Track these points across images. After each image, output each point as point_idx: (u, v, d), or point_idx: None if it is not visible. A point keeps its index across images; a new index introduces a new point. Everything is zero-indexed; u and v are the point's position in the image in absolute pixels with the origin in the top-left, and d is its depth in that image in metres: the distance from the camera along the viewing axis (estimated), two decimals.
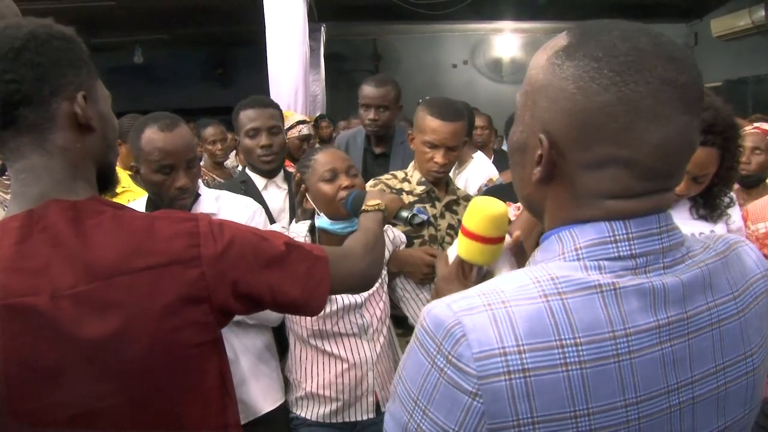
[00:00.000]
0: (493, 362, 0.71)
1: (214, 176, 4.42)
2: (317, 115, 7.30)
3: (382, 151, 3.42)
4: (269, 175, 2.77)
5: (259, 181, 2.77)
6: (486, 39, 12.04)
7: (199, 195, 2.20)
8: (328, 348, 2.06)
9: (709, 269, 0.82)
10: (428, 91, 9.46)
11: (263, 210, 2.34)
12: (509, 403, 0.71)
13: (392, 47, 11.90)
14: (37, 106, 1.07)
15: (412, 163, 2.55)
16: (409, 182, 2.46)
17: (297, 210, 2.14)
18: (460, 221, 1.81)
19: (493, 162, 4.27)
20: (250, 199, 2.43)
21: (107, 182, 1.23)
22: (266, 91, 5.08)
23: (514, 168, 0.91)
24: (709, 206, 2.03)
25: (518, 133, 0.87)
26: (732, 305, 0.82)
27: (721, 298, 0.82)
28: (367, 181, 2.41)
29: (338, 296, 2.01)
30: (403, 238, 2.29)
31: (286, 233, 2.03)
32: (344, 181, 2.00)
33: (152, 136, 2.01)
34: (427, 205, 2.39)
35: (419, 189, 2.43)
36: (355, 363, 2.07)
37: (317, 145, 4.51)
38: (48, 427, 1.04)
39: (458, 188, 2.62)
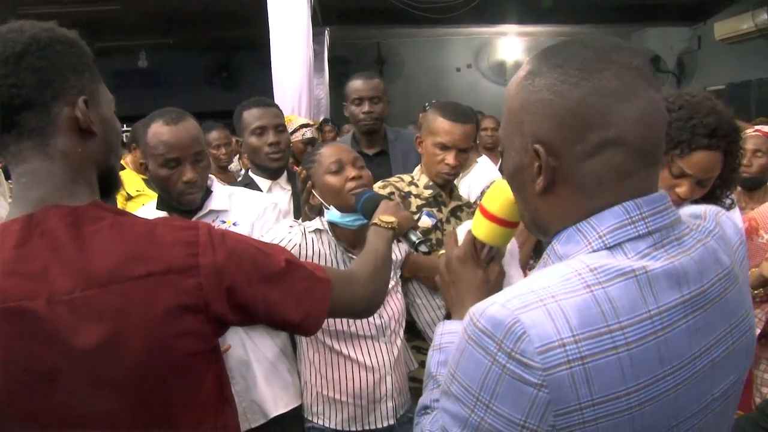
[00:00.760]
0: (555, 354, 0.76)
1: (220, 179, 4.43)
2: (321, 119, 7.30)
3: (377, 150, 3.34)
4: (273, 176, 2.76)
5: (263, 183, 2.76)
6: (490, 42, 12.04)
7: (211, 191, 2.18)
8: (344, 350, 2.01)
9: (709, 246, 0.90)
10: (432, 95, 9.48)
11: (276, 205, 2.32)
12: (571, 389, 0.76)
13: (396, 51, 11.90)
14: (38, 111, 1.06)
15: (418, 167, 2.54)
16: (416, 185, 2.45)
17: (304, 208, 2.11)
18: None
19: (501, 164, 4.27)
20: (263, 195, 2.42)
21: (110, 186, 1.22)
22: (270, 95, 5.08)
23: (516, 192, 0.99)
24: None
25: (511, 159, 0.95)
26: (731, 274, 0.91)
27: (723, 271, 0.90)
28: None
29: None
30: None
31: (296, 228, 2.01)
32: (351, 172, 1.98)
33: (158, 129, 2.01)
34: (434, 209, 2.39)
35: (426, 193, 2.42)
36: (372, 366, 2.02)
37: None
38: (43, 431, 1.04)
39: (461, 195, 2.61)
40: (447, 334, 1.12)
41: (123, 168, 4.39)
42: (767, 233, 2.46)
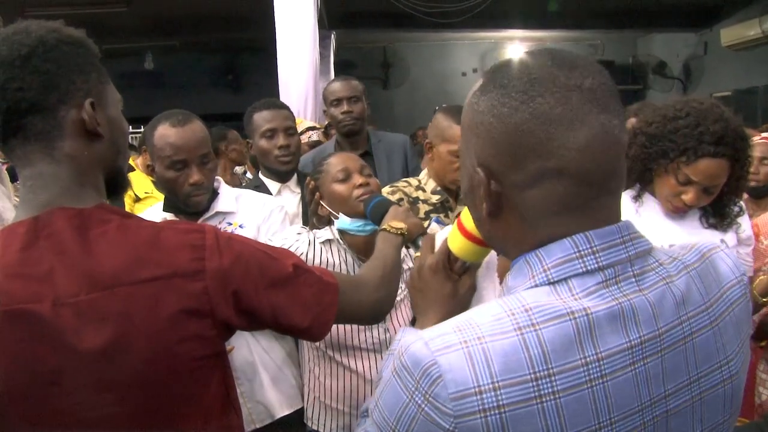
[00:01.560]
0: (469, 401, 0.72)
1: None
2: (327, 122, 7.30)
3: (360, 152, 3.26)
4: (283, 179, 2.76)
5: (272, 185, 2.75)
6: (496, 47, 12.03)
7: (218, 193, 2.17)
8: (345, 361, 2.01)
9: (676, 284, 0.82)
10: (438, 100, 9.48)
11: (283, 208, 2.31)
12: None
13: (402, 55, 11.90)
14: (44, 114, 1.06)
15: (424, 171, 2.53)
16: (424, 190, 2.45)
17: (312, 219, 2.10)
18: None
19: None
20: (270, 198, 2.41)
21: (117, 186, 1.22)
22: (276, 98, 5.09)
23: (471, 212, 0.94)
24: (718, 215, 2.03)
25: (464, 178, 0.90)
26: (704, 316, 0.83)
27: (693, 311, 0.82)
28: None
29: None
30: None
31: (304, 235, 2.00)
32: (358, 179, 1.97)
33: (164, 132, 2.00)
34: (442, 215, 2.38)
35: (435, 198, 2.42)
36: (372, 379, 2.01)
37: None
38: None
39: None
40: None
41: (132, 169, 4.39)
42: (767, 239, 2.46)
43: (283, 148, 2.69)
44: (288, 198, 2.73)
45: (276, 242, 1.97)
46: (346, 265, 2.00)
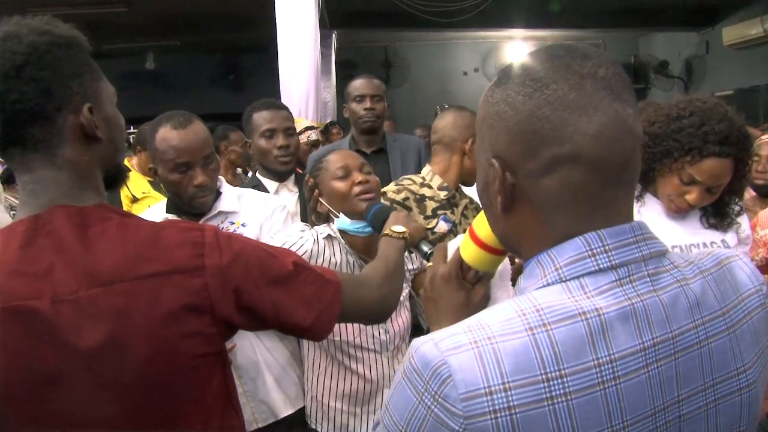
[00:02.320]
0: (479, 402, 0.71)
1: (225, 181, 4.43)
2: (327, 121, 7.30)
3: (375, 148, 3.36)
4: (281, 178, 2.76)
5: (270, 185, 2.75)
6: (497, 47, 12.02)
7: (221, 193, 2.17)
8: (346, 361, 2.01)
9: (691, 288, 0.81)
10: (439, 99, 9.47)
11: (285, 207, 2.32)
12: None
13: (403, 55, 11.89)
14: (43, 124, 1.06)
15: (426, 168, 2.53)
16: (430, 187, 2.44)
17: (310, 216, 2.10)
18: None
19: None
20: (271, 197, 2.42)
21: (116, 181, 1.22)
22: (277, 98, 5.08)
23: (486, 210, 0.93)
24: (719, 215, 2.02)
25: (479, 175, 0.90)
26: (720, 322, 0.82)
27: (709, 315, 0.81)
28: None
29: None
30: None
31: (308, 233, 2.00)
32: (358, 176, 1.98)
33: (166, 134, 2.00)
34: (448, 212, 2.38)
35: (442, 194, 2.42)
36: (371, 379, 2.02)
37: None
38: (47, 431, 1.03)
39: (464, 193, 2.61)
40: None
41: (128, 170, 4.37)
42: (763, 230, 2.47)
43: (282, 148, 2.70)
44: (286, 197, 2.74)
45: (279, 240, 1.97)
46: (348, 265, 2.00)
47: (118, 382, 1.04)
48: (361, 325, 2.00)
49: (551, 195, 0.79)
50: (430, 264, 1.71)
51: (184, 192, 2.02)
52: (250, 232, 2.13)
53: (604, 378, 0.73)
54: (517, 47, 11.87)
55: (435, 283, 1.13)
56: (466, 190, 3.60)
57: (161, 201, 2.27)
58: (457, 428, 0.72)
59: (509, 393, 0.71)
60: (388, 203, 2.26)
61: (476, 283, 1.12)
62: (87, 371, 1.02)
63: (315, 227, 2.05)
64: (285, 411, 2.14)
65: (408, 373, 0.77)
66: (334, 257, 1.99)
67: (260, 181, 2.78)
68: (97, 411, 1.04)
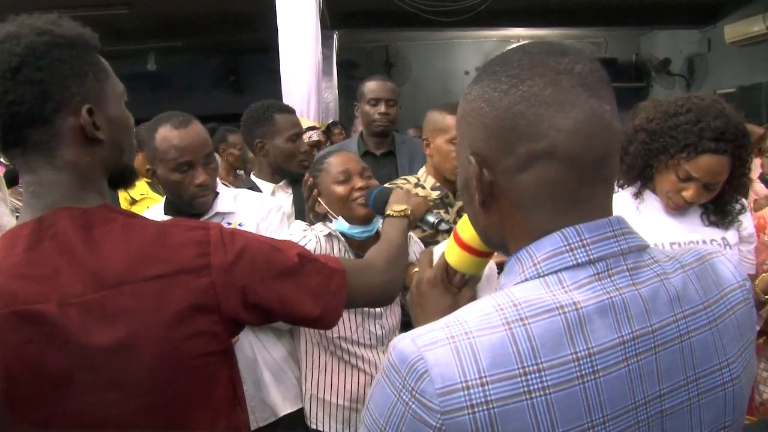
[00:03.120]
0: (456, 397, 0.71)
1: (227, 183, 4.43)
2: (329, 122, 7.31)
3: (384, 150, 3.35)
4: (278, 180, 2.77)
5: (265, 186, 2.75)
6: (498, 46, 11.99)
7: (218, 193, 2.18)
8: (344, 356, 2.03)
9: (672, 282, 0.81)
10: (441, 99, 9.45)
11: (281, 208, 2.32)
12: None
13: (404, 54, 11.89)
14: (41, 125, 1.05)
15: (423, 168, 2.54)
16: (423, 187, 2.45)
17: (308, 215, 2.11)
18: None
19: None
20: (267, 197, 2.42)
21: (124, 181, 1.21)
22: (279, 98, 5.09)
23: (466, 208, 0.93)
24: (719, 213, 2.02)
25: (460, 172, 0.89)
26: (702, 315, 0.82)
27: (690, 309, 0.81)
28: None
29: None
30: (420, 245, 2.26)
31: (309, 231, 2.01)
32: (358, 182, 1.98)
33: (167, 134, 2.00)
34: (441, 211, 2.39)
35: (434, 194, 2.42)
36: (371, 373, 2.03)
37: None
38: None
39: None
40: None
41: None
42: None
43: (305, 153, 2.72)
44: (282, 198, 2.74)
45: (284, 237, 1.97)
46: None
47: (127, 384, 1.04)
48: (358, 321, 2.01)
49: (528, 191, 0.79)
50: (441, 230, 1.71)
51: (186, 192, 2.03)
52: None
53: (583, 372, 0.73)
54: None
55: (421, 288, 1.12)
56: None
57: (159, 202, 2.27)
58: (434, 424, 0.71)
59: (486, 387, 0.71)
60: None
61: (462, 287, 1.12)
62: (95, 373, 1.02)
63: (314, 226, 2.06)
64: (285, 410, 2.14)
65: (386, 371, 0.77)
66: (332, 254, 2.00)
67: (254, 183, 2.78)
68: (106, 412, 1.04)
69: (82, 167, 1.09)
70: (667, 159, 1.89)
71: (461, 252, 1.08)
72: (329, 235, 2.01)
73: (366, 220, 1.99)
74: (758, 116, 7.56)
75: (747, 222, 2.10)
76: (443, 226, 1.75)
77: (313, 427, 2.09)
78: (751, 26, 8.68)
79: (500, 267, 1.44)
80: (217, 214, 2.15)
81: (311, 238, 1.97)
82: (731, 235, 2.05)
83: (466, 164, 0.85)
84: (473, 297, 1.12)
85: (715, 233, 2.03)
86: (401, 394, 0.74)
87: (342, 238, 2.02)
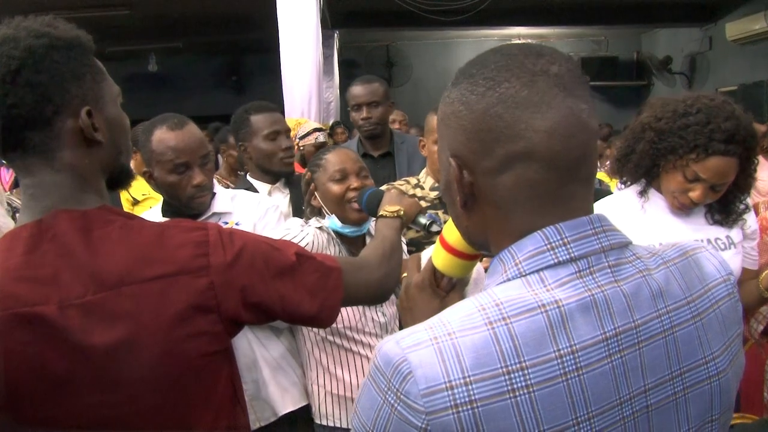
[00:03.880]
0: (440, 397, 0.71)
1: (228, 183, 4.43)
2: (332, 121, 7.31)
3: (382, 152, 3.34)
4: (273, 180, 2.77)
5: (262, 187, 2.76)
6: (499, 45, 12.02)
7: (215, 194, 2.18)
8: (350, 346, 2.04)
9: (654, 278, 0.81)
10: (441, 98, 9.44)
11: (278, 207, 2.33)
12: None
13: (405, 54, 11.90)
14: (41, 128, 1.05)
15: (424, 170, 2.54)
16: (422, 188, 2.46)
17: (305, 209, 2.13)
18: None
19: None
20: (264, 197, 2.42)
21: (120, 182, 1.22)
22: (280, 98, 5.10)
23: (450, 210, 0.93)
24: (724, 211, 2.02)
25: (442, 175, 0.90)
26: (686, 310, 0.82)
27: (673, 304, 0.81)
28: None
29: None
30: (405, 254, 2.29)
31: (306, 227, 2.03)
32: (354, 182, 2.00)
33: (163, 136, 2.00)
34: (440, 212, 2.39)
35: (432, 195, 2.42)
36: None
37: None
38: None
39: None
40: None
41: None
42: None
43: (287, 150, 2.70)
44: (278, 198, 2.74)
45: (282, 233, 1.99)
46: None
47: (128, 384, 1.04)
48: (360, 309, 2.04)
49: (509, 192, 0.80)
50: (433, 231, 1.73)
51: (183, 192, 2.03)
52: None
53: (566, 369, 0.73)
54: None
55: (409, 293, 1.13)
56: None
57: (157, 204, 2.28)
58: (420, 425, 0.72)
59: (470, 387, 0.71)
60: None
61: (450, 291, 1.12)
62: (96, 374, 1.02)
63: (310, 221, 2.09)
64: (285, 408, 2.14)
65: (372, 373, 0.77)
66: (327, 250, 2.02)
67: (251, 183, 2.78)
68: (107, 413, 1.04)
69: (81, 169, 1.09)
70: (676, 159, 1.88)
71: (447, 255, 1.09)
72: (322, 230, 2.05)
73: (358, 223, 2.02)
74: (760, 114, 7.54)
75: (751, 220, 2.10)
76: (435, 228, 1.77)
77: (323, 423, 2.09)
78: (752, 24, 8.67)
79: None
80: (214, 214, 2.16)
81: (308, 232, 2.00)
82: (735, 233, 2.05)
83: (447, 166, 0.86)
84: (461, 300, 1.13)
85: (720, 232, 2.03)
86: (387, 396, 0.74)
87: (334, 235, 2.06)
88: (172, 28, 9.28)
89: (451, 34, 11.02)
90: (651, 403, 0.78)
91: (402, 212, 1.69)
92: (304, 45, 5.34)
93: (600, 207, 1.85)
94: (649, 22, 10.42)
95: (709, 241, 2.00)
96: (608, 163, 3.38)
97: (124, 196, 3.95)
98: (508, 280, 0.80)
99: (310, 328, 2.07)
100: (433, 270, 1.12)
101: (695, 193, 1.88)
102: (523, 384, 0.72)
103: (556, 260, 0.78)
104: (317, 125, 4.28)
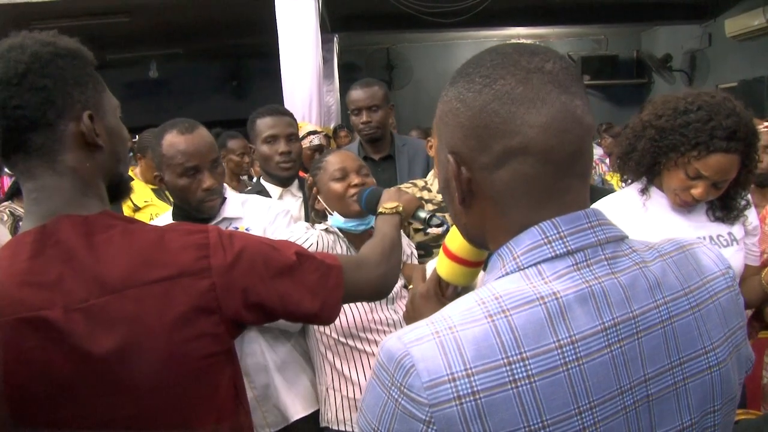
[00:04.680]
0: (443, 389, 0.72)
1: (230, 188, 4.43)
2: (335, 125, 7.32)
3: (383, 155, 3.35)
4: (285, 183, 2.78)
5: (274, 190, 2.77)
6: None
7: (225, 198, 2.19)
8: (363, 346, 2.04)
9: (651, 269, 0.83)
10: None
11: (288, 212, 2.34)
12: (462, 426, 0.72)
13: (405, 56, 11.91)
14: (44, 130, 1.07)
15: (432, 172, 2.55)
16: (429, 190, 2.46)
17: (310, 213, 2.15)
18: None
19: None
20: (275, 201, 2.44)
21: (119, 193, 1.24)
22: (280, 103, 5.09)
23: (449, 207, 0.94)
24: (725, 208, 2.02)
25: (440, 173, 0.92)
26: (683, 301, 0.83)
27: (671, 295, 0.83)
28: None
29: None
30: (412, 248, 2.28)
31: (312, 230, 2.04)
32: (354, 179, 2.04)
33: (173, 140, 2.02)
34: (447, 214, 2.39)
35: (440, 197, 2.43)
36: None
37: None
38: None
39: None
40: None
41: (131, 179, 4.36)
42: None
43: (284, 155, 2.72)
44: (290, 202, 2.76)
45: (286, 235, 2.01)
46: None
47: (132, 387, 1.06)
48: (372, 305, 2.05)
49: (505, 187, 0.82)
50: (435, 231, 1.74)
51: (193, 196, 2.05)
52: None
53: (567, 359, 0.74)
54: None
55: (415, 302, 1.15)
56: None
57: (166, 211, 2.29)
58: (423, 417, 0.73)
59: (472, 378, 0.72)
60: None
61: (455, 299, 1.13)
62: (101, 377, 1.04)
63: (316, 225, 2.11)
64: (297, 414, 2.14)
65: (376, 371, 0.79)
66: (334, 250, 2.04)
67: (264, 187, 2.81)
68: (112, 414, 1.06)
69: (82, 172, 1.12)
70: (677, 157, 1.88)
71: (451, 263, 1.10)
72: (329, 232, 2.07)
73: (361, 215, 2.03)
74: (761, 110, 7.52)
75: (752, 216, 2.10)
76: (434, 221, 1.78)
77: (333, 428, 2.08)
78: (751, 20, 8.65)
79: None
80: (224, 219, 2.17)
81: (312, 234, 2.02)
82: (737, 229, 2.05)
83: (445, 164, 0.88)
84: None
85: (722, 228, 2.03)
86: (391, 392, 0.76)
87: (341, 235, 2.07)
88: (171, 35, 9.29)
89: (451, 35, 11.02)
90: (651, 393, 0.79)
91: (400, 208, 1.71)
92: (304, 49, 5.35)
93: (602, 205, 1.85)
94: (648, 20, 10.41)
95: (711, 238, 2.00)
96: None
97: (126, 203, 3.97)
98: (507, 274, 0.81)
99: (322, 332, 2.07)
100: (437, 279, 1.14)
101: (697, 191, 1.88)
102: (525, 374, 0.73)
103: (553, 253, 0.80)
104: (313, 128, 4.28)
